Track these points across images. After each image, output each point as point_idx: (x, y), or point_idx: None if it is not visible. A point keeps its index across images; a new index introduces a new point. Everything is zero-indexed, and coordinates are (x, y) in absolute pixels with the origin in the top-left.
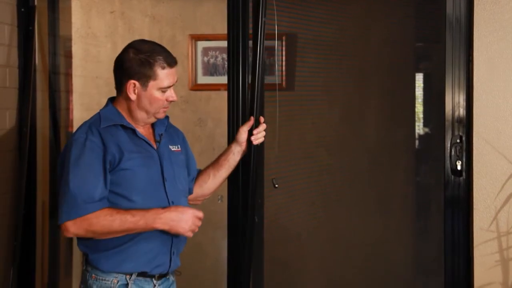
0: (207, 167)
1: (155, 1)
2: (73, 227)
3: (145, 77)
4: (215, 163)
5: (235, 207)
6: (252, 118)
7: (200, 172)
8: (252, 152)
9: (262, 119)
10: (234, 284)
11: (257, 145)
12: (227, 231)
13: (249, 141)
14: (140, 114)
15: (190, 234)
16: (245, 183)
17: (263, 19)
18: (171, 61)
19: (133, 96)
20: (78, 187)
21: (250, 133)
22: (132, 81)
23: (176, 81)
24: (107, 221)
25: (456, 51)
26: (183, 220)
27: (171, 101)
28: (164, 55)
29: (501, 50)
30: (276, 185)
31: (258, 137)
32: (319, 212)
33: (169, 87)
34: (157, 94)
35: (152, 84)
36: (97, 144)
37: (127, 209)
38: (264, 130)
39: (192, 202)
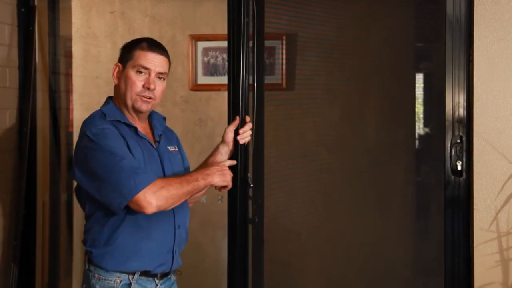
0: (196, 169)
1: (155, 1)
2: (155, 198)
3: (126, 59)
4: (204, 164)
5: (235, 207)
6: (237, 118)
7: None
8: (239, 151)
9: (248, 118)
10: (234, 284)
11: (244, 144)
12: (227, 231)
13: (235, 140)
14: (124, 103)
15: (230, 184)
16: (235, 182)
17: (246, 19)
18: (152, 46)
19: (116, 80)
20: (131, 164)
21: (237, 133)
22: (116, 64)
23: (164, 73)
24: (176, 183)
25: (456, 51)
26: (224, 170)
27: (148, 88)
28: (148, 40)
29: (501, 50)
30: (252, 185)
31: (244, 136)
32: (319, 211)
33: (144, 68)
34: (131, 73)
35: (129, 64)
36: (115, 132)
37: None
38: (251, 129)
39: None
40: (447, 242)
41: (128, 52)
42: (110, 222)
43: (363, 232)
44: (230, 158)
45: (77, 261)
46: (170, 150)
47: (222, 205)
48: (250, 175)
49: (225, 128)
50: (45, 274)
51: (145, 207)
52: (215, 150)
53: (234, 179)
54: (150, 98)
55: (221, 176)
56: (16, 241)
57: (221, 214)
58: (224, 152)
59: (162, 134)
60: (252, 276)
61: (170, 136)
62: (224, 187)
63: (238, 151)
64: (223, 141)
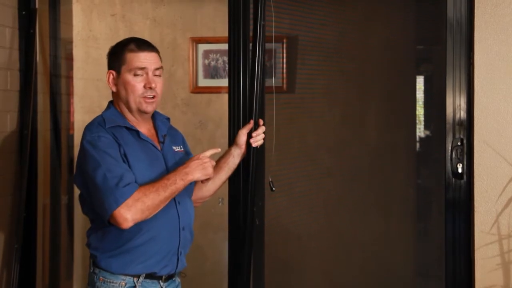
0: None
1: (156, 3)
2: (130, 213)
3: (118, 64)
4: (215, 165)
5: (236, 209)
6: (251, 121)
7: None
8: (252, 155)
9: (261, 121)
10: (235, 286)
11: (256, 147)
12: (228, 233)
13: (248, 143)
14: (127, 107)
15: (212, 174)
16: (245, 186)
17: (262, 22)
18: (142, 45)
19: (113, 88)
20: (113, 177)
21: (250, 136)
22: (109, 71)
23: (159, 68)
24: (152, 193)
25: (457, 54)
26: (204, 162)
27: (150, 88)
28: (135, 41)
29: (502, 53)
30: (274, 189)
31: (257, 139)
32: (320, 214)
33: (141, 69)
34: (129, 77)
35: (124, 68)
36: (110, 139)
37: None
38: (264, 133)
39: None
40: (448, 245)
41: (118, 57)
42: (114, 226)
43: (364, 235)
44: (242, 160)
45: (78, 263)
46: (175, 150)
47: (223, 207)
48: (270, 179)
49: (238, 131)
50: (46, 276)
51: (121, 223)
52: (227, 152)
53: (237, 181)
54: (153, 97)
55: (202, 170)
56: (17, 243)
57: (222, 216)
58: (236, 154)
59: (167, 134)
60: (253, 278)
61: (175, 136)
62: (207, 179)
63: (250, 154)
64: (235, 143)
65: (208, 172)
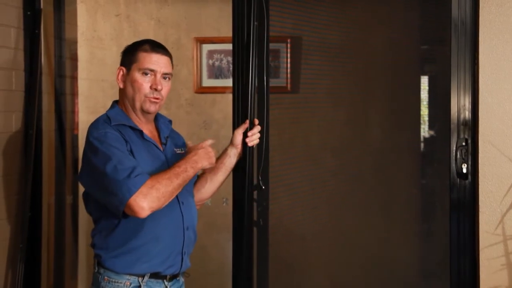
0: (204, 172)
1: (160, 4)
2: (146, 201)
3: (129, 62)
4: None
5: (240, 209)
6: (247, 121)
7: (197, 177)
8: (247, 154)
9: (256, 121)
10: (239, 287)
11: (252, 146)
12: (232, 233)
13: (244, 143)
14: (131, 105)
15: (215, 162)
16: (244, 185)
17: (255, 23)
18: (155, 47)
19: (121, 84)
20: (125, 169)
21: (245, 135)
22: (120, 67)
23: (169, 74)
24: (165, 179)
25: (462, 54)
26: (208, 151)
27: (155, 90)
28: (150, 42)
29: (506, 53)
30: (263, 187)
31: (253, 138)
32: (324, 214)
33: (150, 70)
34: (137, 76)
35: (134, 66)
36: (117, 136)
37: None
38: (260, 132)
39: None
40: (453, 245)
41: (131, 55)
42: (118, 226)
43: (368, 235)
44: (239, 160)
45: (83, 263)
46: (177, 152)
47: (227, 208)
48: (260, 177)
49: (234, 131)
50: (50, 276)
51: (138, 212)
52: (224, 152)
53: (240, 182)
54: (157, 98)
55: (208, 158)
56: (22, 243)
57: (225, 216)
58: (233, 154)
59: (169, 136)
60: (257, 278)
61: (177, 139)
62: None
63: (246, 153)
64: (231, 143)
65: (212, 161)
